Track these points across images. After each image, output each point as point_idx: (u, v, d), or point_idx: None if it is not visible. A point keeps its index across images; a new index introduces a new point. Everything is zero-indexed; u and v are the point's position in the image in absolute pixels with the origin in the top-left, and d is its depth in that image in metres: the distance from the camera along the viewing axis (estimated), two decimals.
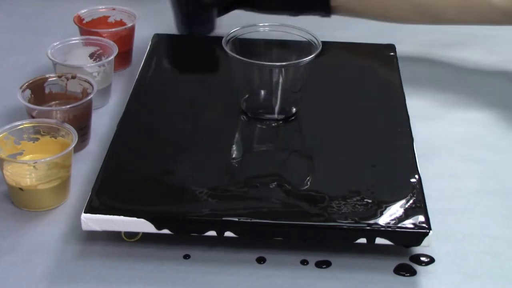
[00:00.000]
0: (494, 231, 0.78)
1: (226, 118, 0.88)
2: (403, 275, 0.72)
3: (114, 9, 1.06)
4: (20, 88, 0.86)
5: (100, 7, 1.06)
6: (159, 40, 1.05)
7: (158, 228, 0.72)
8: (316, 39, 0.88)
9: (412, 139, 0.84)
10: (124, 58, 1.03)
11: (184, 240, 0.74)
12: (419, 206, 0.74)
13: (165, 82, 0.95)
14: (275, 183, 0.77)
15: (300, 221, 0.72)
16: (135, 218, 0.71)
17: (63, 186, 0.79)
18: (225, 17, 1.11)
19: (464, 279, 0.72)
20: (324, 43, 0.87)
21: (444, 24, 1.05)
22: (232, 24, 1.03)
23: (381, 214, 0.73)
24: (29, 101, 0.86)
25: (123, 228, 0.72)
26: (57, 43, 0.96)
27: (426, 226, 0.72)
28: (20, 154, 0.81)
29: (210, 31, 1.10)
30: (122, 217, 0.72)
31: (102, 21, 1.06)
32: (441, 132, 0.93)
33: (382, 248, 0.73)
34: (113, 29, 1.03)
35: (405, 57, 1.04)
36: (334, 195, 0.75)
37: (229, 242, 0.74)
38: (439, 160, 0.88)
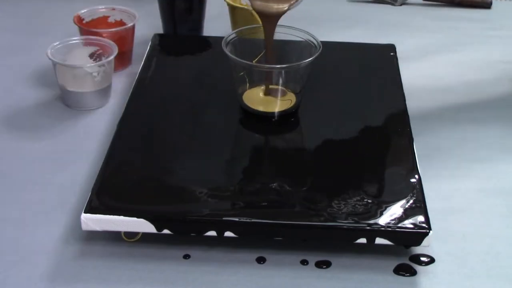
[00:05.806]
0: (494, 231, 0.78)
1: (226, 118, 0.88)
2: (403, 275, 0.72)
3: (114, 9, 1.06)
4: None
5: (100, 7, 1.06)
6: (159, 40, 1.05)
7: (158, 228, 0.71)
8: (316, 40, 0.88)
9: (412, 139, 0.84)
10: (124, 58, 1.03)
11: (184, 240, 0.74)
12: (419, 206, 0.74)
13: (165, 82, 0.95)
14: (275, 183, 0.77)
15: (300, 221, 0.72)
16: (135, 218, 0.71)
17: None
18: (224, 18, 1.11)
19: (464, 279, 0.72)
20: (324, 43, 0.87)
21: None
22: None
23: (381, 214, 0.73)
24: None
25: (123, 228, 0.72)
26: (57, 43, 0.96)
27: (426, 226, 0.71)
28: None
29: (195, 32, 1.10)
30: (122, 217, 0.71)
31: (102, 21, 1.06)
32: (441, 132, 0.93)
33: (382, 248, 0.73)
34: (113, 29, 1.03)
35: (405, 57, 1.04)
36: (334, 195, 0.75)
37: (229, 242, 0.74)
38: (439, 160, 0.88)
